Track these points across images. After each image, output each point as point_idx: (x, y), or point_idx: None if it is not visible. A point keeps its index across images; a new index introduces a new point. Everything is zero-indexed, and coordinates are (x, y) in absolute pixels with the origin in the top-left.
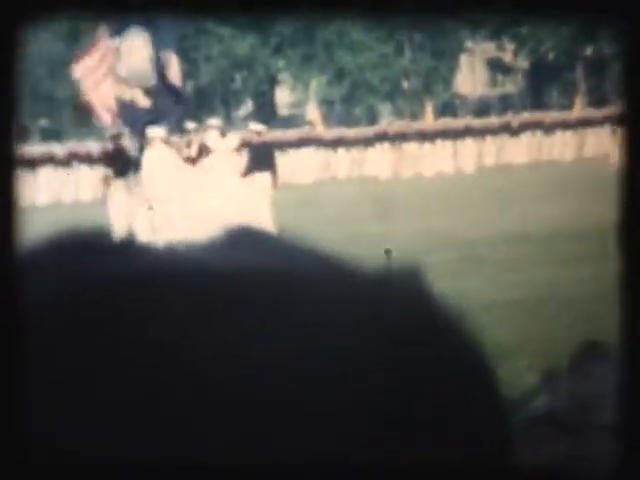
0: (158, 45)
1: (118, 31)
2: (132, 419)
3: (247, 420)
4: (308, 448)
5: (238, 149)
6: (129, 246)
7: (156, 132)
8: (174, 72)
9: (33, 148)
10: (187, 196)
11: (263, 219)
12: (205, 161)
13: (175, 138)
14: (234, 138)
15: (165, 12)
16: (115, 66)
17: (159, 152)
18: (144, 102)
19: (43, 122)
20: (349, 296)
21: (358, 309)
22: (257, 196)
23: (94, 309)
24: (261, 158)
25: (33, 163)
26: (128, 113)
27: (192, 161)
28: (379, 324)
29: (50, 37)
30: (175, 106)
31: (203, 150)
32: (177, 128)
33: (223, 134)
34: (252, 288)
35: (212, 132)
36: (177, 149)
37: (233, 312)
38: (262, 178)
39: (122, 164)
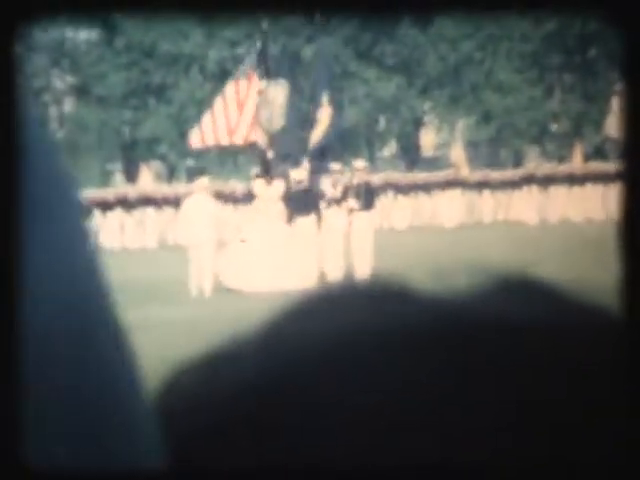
0: (314, 89)
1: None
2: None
3: None
4: None
5: (284, 196)
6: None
7: (202, 182)
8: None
9: (179, 187)
10: (231, 244)
11: (308, 264)
12: (250, 208)
13: (221, 187)
14: (279, 186)
15: (166, 12)
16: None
17: (199, 201)
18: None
19: (189, 162)
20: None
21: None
22: (302, 242)
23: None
24: (305, 204)
25: (178, 202)
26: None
27: (337, 202)
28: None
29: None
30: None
31: (348, 190)
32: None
33: (269, 182)
34: (526, 340)
35: (258, 180)
36: (221, 197)
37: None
38: (306, 224)
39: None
